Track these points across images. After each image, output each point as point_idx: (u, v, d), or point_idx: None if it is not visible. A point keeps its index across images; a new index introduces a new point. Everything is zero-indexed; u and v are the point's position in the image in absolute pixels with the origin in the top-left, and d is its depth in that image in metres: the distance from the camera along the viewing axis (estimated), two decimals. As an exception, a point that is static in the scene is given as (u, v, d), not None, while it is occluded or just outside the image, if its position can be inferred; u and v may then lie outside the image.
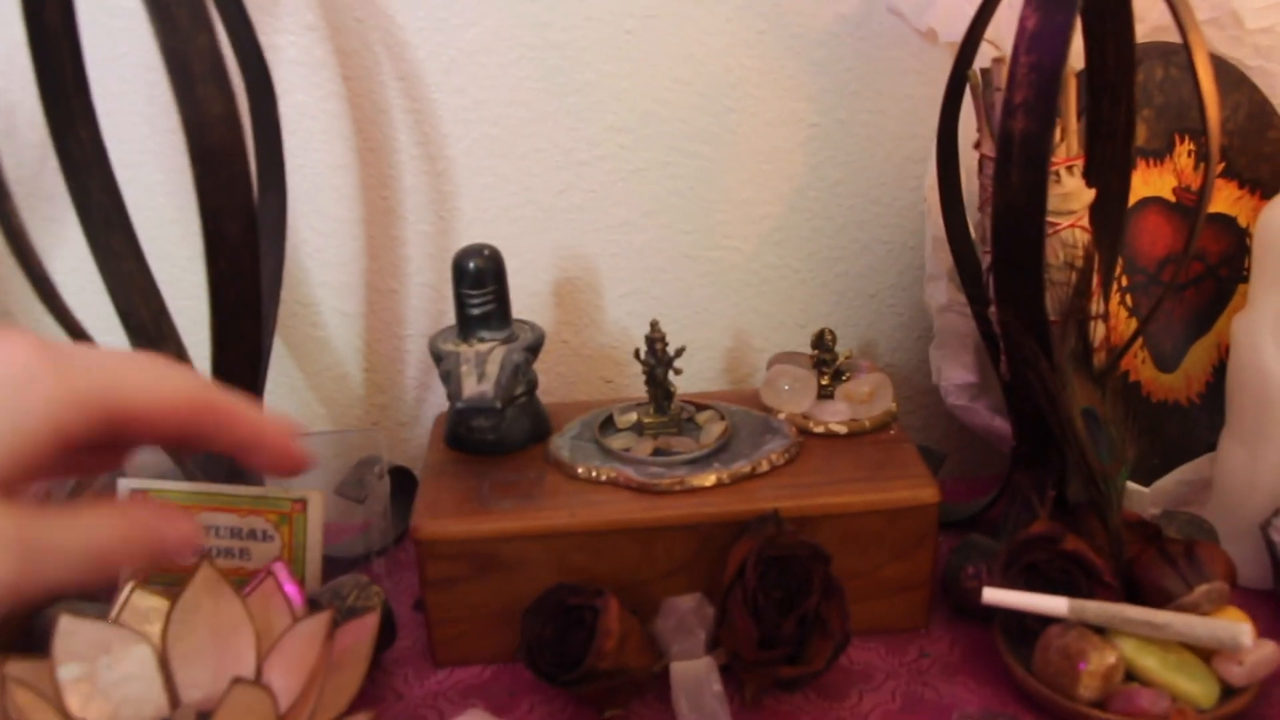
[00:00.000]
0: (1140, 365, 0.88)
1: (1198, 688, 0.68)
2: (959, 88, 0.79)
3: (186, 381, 0.45)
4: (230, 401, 0.46)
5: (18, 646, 0.70)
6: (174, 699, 0.70)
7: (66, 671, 0.66)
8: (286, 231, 0.87)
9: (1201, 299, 0.91)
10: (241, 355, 0.73)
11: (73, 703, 0.66)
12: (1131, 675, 0.69)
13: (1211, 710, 0.67)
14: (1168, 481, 0.86)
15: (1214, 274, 0.91)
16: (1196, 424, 0.90)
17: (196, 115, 0.64)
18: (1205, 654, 0.70)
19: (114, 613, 0.70)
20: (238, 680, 0.60)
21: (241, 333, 0.71)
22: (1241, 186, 0.90)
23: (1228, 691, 0.68)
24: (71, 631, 0.67)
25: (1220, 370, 0.90)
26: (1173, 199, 0.89)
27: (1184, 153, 0.89)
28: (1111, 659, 0.68)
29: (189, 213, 0.91)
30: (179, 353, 0.82)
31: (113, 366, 0.43)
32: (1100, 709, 0.68)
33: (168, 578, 0.76)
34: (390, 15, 0.89)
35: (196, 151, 0.65)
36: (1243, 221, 0.90)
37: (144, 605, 0.71)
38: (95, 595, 0.77)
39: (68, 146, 0.78)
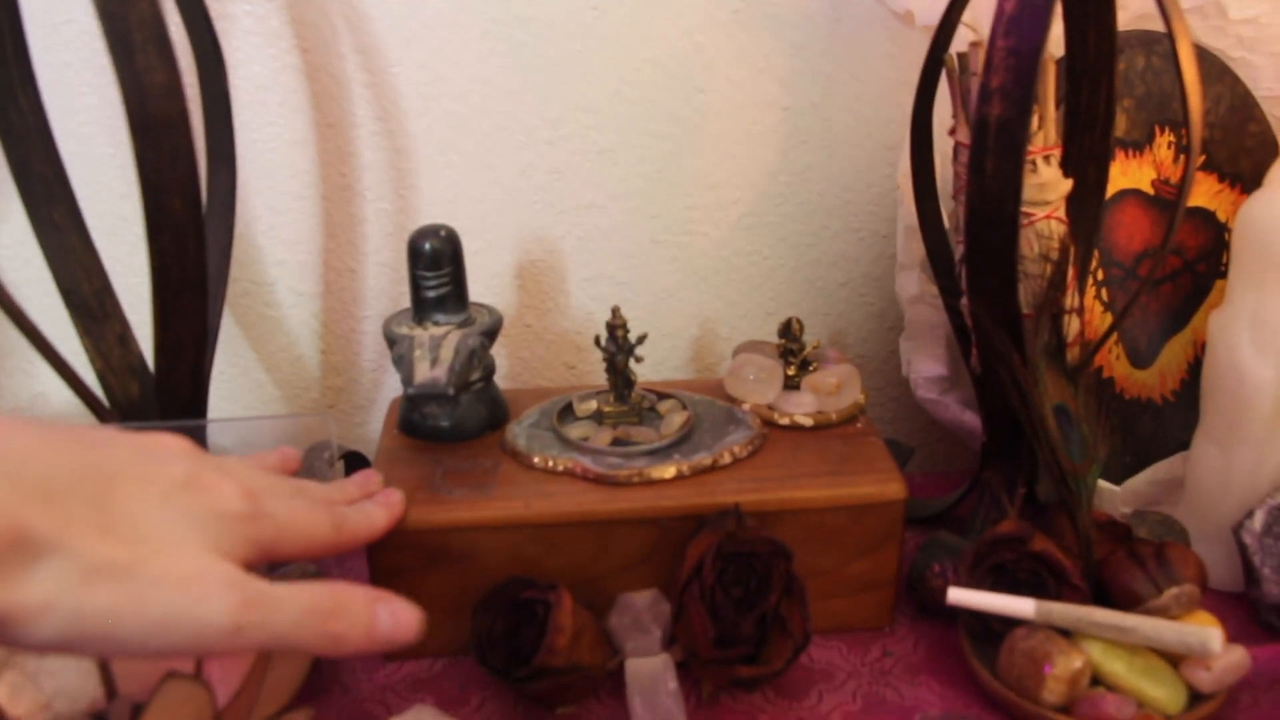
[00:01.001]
0: (1114, 361, 0.86)
1: (1164, 693, 0.66)
2: (935, 72, 0.77)
3: (327, 533, 0.59)
4: (352, 537, 0.62)
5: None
6: (110, 690, 0.67)
7: (-6, 662, 0.64)
8: (238, 208, 0.84)
9: (1178, 295, 0.89)
10: (186, 335, 0.70)
11: (1, 693, 0.63)
12: (1098, 680, 0.68)
13: (1178, 717, 0.66)
14: (1139, 481, 0.84)
15: (1191, 269, 0.89)
16: (1170, 422, 0.88)
17: (137, 85, 0.62)
18: (1173, 659, 0.68)
19: (46, 601, 0.68)
20: (172, 674, 0.58)
21: (186, 311, 0.69)
22: (1222, 180, 0.88)
23: (1195, 697, 0.67)
24: (-1, 621, 0.64)
25: (1195, 368, 0.88)
26: (1152, 191, 0.87)
27: (1164, 144, 0.87)
28: (1078, 663, 0.66)
29: (138, 188, 0.88)
30: (122, 332, 0.79)
31: (281, 520, 0.55)
32: (1065, 714, 0.66)
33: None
34: (351, -15, 0.87)
35: (137, 122, 0.62)
36: (1222, 216, 0.88)
37: (78, 593, 0.68)
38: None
39: (7, 115, 0.75)
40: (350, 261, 0.95)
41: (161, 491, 0.50)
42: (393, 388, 0.99)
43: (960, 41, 0.75)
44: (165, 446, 0.54)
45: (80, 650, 0.47)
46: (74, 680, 0.66)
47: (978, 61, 0.71)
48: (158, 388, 0.73)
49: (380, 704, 0.71)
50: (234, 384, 0.98)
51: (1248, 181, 0.88)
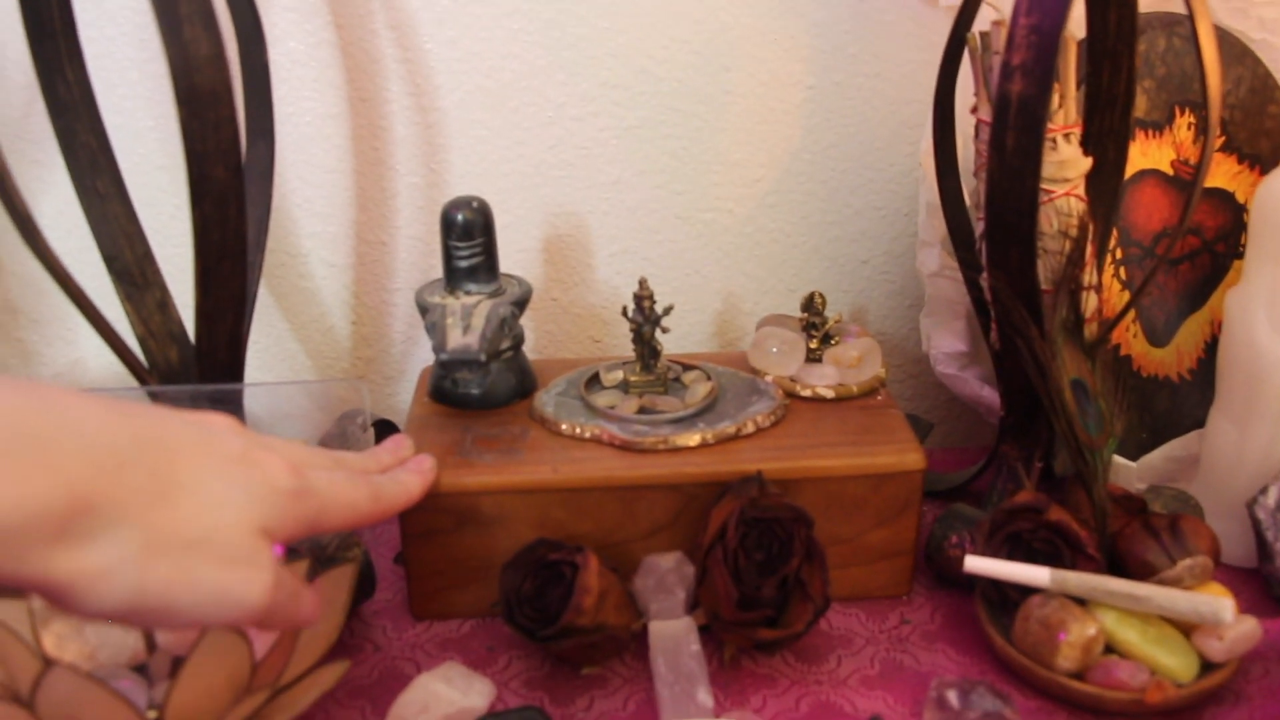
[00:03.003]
0: (1132, 339, 0.87)
1: (1177, 662, 0.68)
2: (957, 51, 0.78)
3: (367, 504, 0.61)
4: (389, 506, 0.64)
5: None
6: (150, 643, 0.69)
7: (44, 611, 0.66)
8: (274, 180, 0.86)
9: (1196, 274, 0.90)
10: (225, 301, 0.72)
11: (49, 643, 0.66)
12: (1111, 648, 0.69)
13: (1189, 685, 0.67)
14: (1156, 457, 0.86)
15: (1210, 249, 0.90)
16: (1186, 400, 0.89)
17: (183, 56, 0.64)
18: (1186, 628, 0.69)
19: (90, 556, 0.70)
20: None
21: (225, 278, 0.71)
22: (1241, 161, 0.90)
23: (1207, 666, 0.68)
24: (47, 573, 0.67)
25: (1212, 347, 0.89)
26: (1171, 172, 0.88)
27: (1184, 125, 0.88)
28: (1091, 630, 0.68)
29: (177, 159, 0.89)
30: (162, 298, 0.81)
31: (325, 496, 0.57)
32: (1079, 680, 0.68)
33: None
34: (385, -37, 0.89)
35: (183, 93, 0.64)
36: (1241, 197, 0.90)
37: (121, 550, 0.71)
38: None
39: (54, 88, 0.77)
40: (382, 234, 0.97)
41: (218, 465, 0.52)
42: (421, 359, 1.02)
43: (983, 21, 0.76)
44: (215, 423, 0.56)
45: (133, 620, 0.49)
46: (116, 633, 0.69)
47: (1000, 40, 0.72)
48: (197, 352, 0.75)
49: (410, 661, 0.74)
50: (267, 353, 1.00)
51: (1267, 163, 0.89)
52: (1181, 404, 0.89)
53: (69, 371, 0.98)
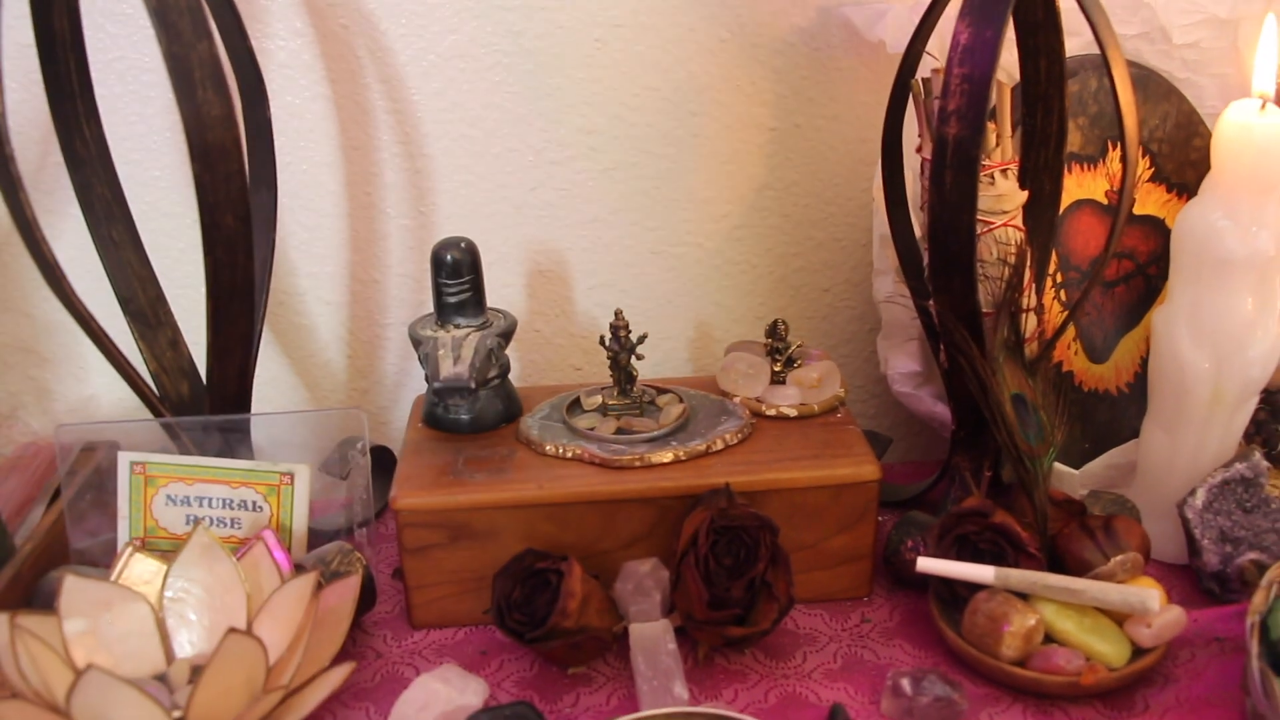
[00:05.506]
0: (1073, 356, 0.94)
1: (1110, 648, 0.74)
2: (902, 96, 0.85)
3: None
4: None
5: (20, 608, 0.76)
6: (169, 655, 0.75)
7: (72, 626, 0.72)
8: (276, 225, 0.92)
9: (1131, 295, 0.97)
10: (234, 338, 0.78)
11: (78, 655, 0.71)
12: (1051, 637, 0.76)
13: (1122, 668, 0.74)
14: (1097, 465, 0.92)
15: (1143, 272, 0.97)
16: (1125, 411, 0.96)
17: (197, 117, 0.70)
18: (1118, 618, 0.76)
19: (115, 574, 0.76)
20: (233, 630, 0.66)
21: (235, 317, 0.77)
22: (1169, 190, 0.97)
23: (1138, 652, 0.75)
24: (76, 589, 0.73)
25: (1147, 362, 0.95)
26: (1105, 201, 0.95)
27: (1116, 158, 0.95)
28: (1032, 621, 0.74)
29: (184, 206, 0.97)
30: (174, 337, 0.87)
31: None
32: (1021, 667, 0.74)
33: (166, 544, 0.82)
34: (374, 22, 0.95)
35: (197, 150, 0.71)
36: (1170, 223, 0.96)
37: (143, 568, 0.77)
38: (96, 561, 0.83)
39: (73, 145, 0.83)
40: (374, 273, 1.03)
41: None
42: (413, 389, 1.08)
43: (925, 68, 0.83)
44: None
45: None
46: (139, 645, 0.74)
47: (939, 86, 0.79)
48: (208, 385, 0.81)
49: (409, 665, 0.80)
50: (268, 386, 1.06)
51: (1193, 192, 0.95)
52: (1120, 415, 0.96)
53: (82, 407, 1.04)
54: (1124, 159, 0.78)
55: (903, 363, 0.97)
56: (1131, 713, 0.73)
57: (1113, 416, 0.96)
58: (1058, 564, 0.79)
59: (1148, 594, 0.74)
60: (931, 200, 0.77)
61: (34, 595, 0.79)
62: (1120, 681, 0.73)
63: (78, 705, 0.64)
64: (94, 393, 1.05)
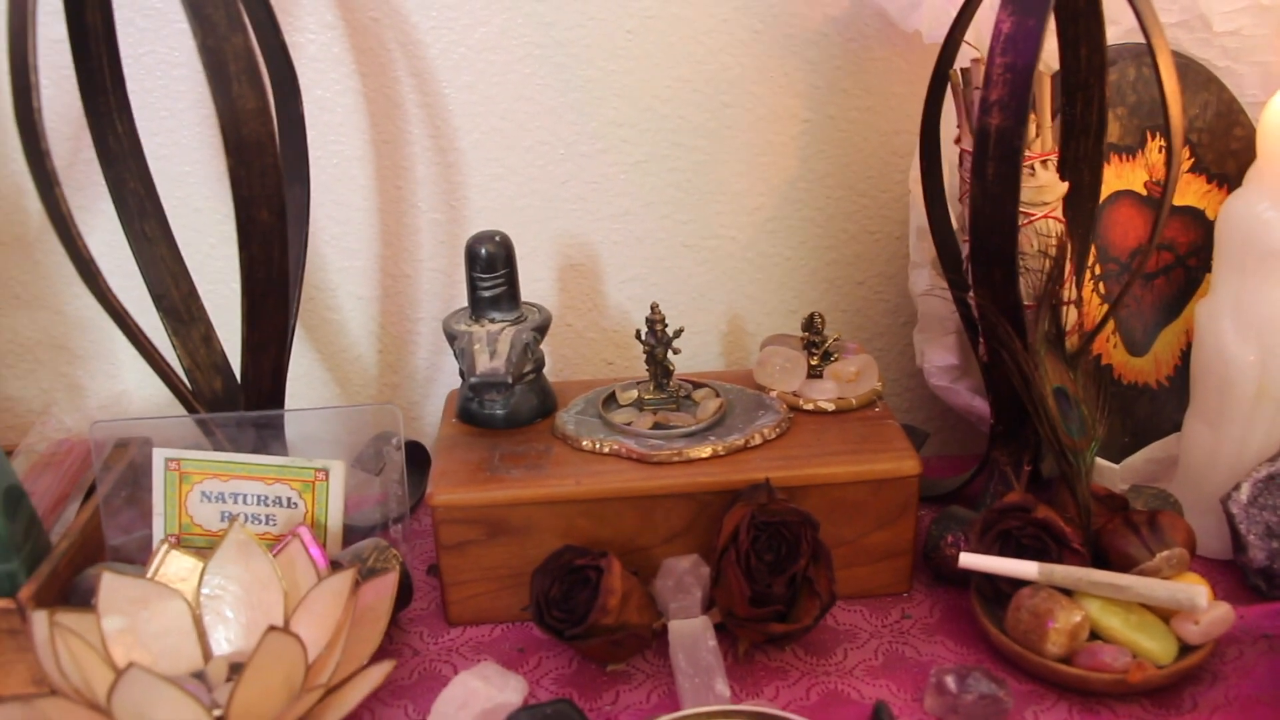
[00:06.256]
0: (1112, 349, 0.93)
1: (1156, 645, 0.73)
2: (941, 86, 0.84)
3: None
4: None
5: (57, 605, 0.76)
6: (207, 652, 0.75)
7: (110, 623, 0.72)
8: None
9: (1171, 288, 0.96)
10: (269, 334, 0.78)
11: (116, 652, 0.71)
12: (1096, 634, 0.75)
13: (1169, 666, 0.72)
14: (1137, 459, 0.91)
15: (1183, 264, 0.96)
16: (1165, 405, 0.95)
17: (232, 110, 0.70)
18: (1165, 615, 0.75)
19: (151, 571, 0.76)
20: (272, 628, 0.65)
21: (270, 313, 0.77)
22: (1210, 181, 0.96)
23: (1185, 649, 0.74)
24: (114, 587, 0.72)
25: (1188, 355, 0.94)
26: (1144, 192, 0.94)
27: (1155, 148, 0.94)
28: (1077, 618, 0.73)
29: (215, 201, 0.97)
30: (207, 333, 0.87)
31: None
32: (1066, 664, 0.73)
33: (201, 540, 0.81)
34: (404, 14, 0.95)
35: (232, 144, 0.70)
36: (1210, 214, 0.95)
37: (179, 565, 0.76)
38: (131, 558, 0.83)
39: (105, 140, 0.83)
40: (406, 268, 1.03)
41: None
42: (445, 384, 1.07)
43: (963, 58, 0.82)
44: None
45: None
46: (176, 642, 0.74)
47: (979, 76, 0.78)
48: (243, 381, 0.81)
49: (447, 664, 0.79)
50: (299, 382, 1.06)
51: (1234, 182, 0.95)
52: (1161, 409, 0.95)
53: (115, 403, 1.04)
54: (1168, 148, 0.77)
55: (940, 356, 0.96)
56: (1179, 711, 0.72)
57: (1153, 410, 0.95)
58: (1101, 560, 0.78)
59: (1196, 590, 0.73)
60: (973, 192, 0.76)
61: (71, 592, 0.79)
62: (1168, 679, 0.72)
63: (119, 703, 0.63)
64: (126, 389, 1.05)
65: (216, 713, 0.66)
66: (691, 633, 0.76)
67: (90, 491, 0.87)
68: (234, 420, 0.83)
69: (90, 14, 0.79)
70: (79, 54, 0.80)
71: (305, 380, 1.06)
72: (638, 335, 0.88)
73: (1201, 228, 0.96)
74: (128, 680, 0.62)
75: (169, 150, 0.97)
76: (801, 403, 0.89)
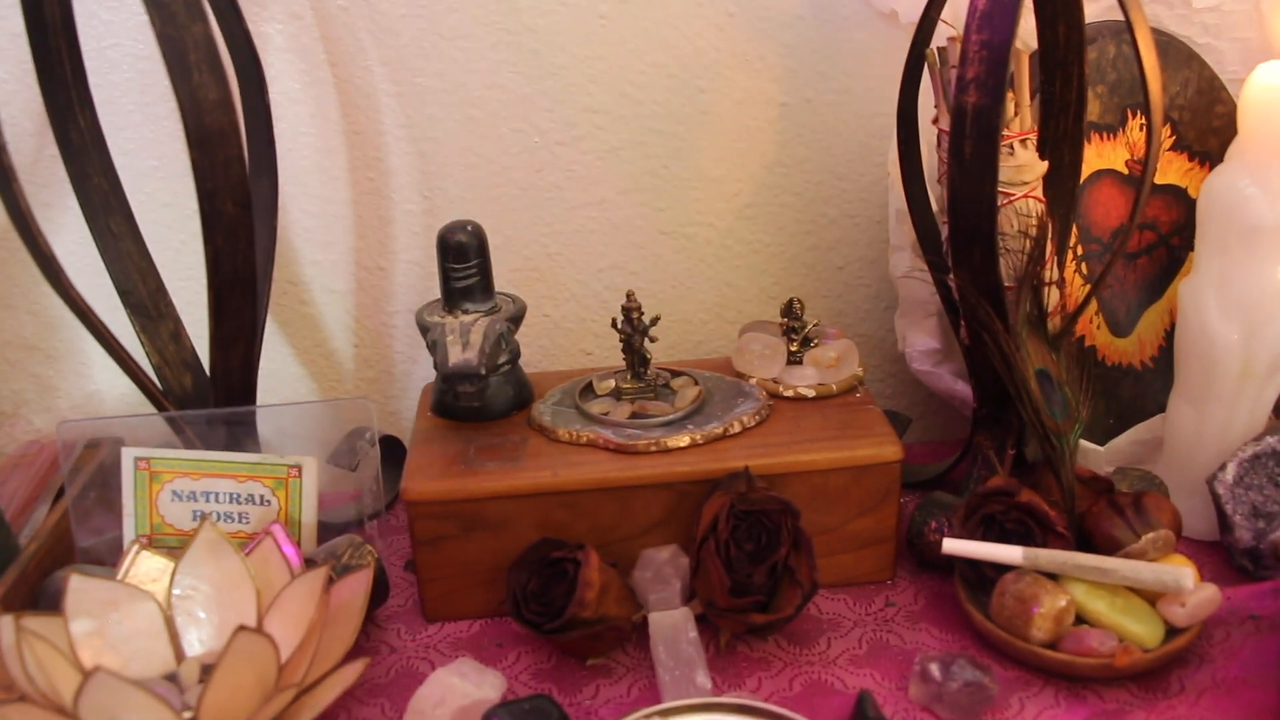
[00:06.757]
0: (1095, 330, 0.92)
1: (1143, 628, 0.72)
2: (917, 66, 0.83)
3: None
4: None
5: (25, 609, 0.74)
6: (179, 654, 0.74)
7: (78, 626, 0.70)
8: (278, 212, 0.90)
9: (1154, 267, 0.95)
10: (237, 329, 0.77)
11: (85, 656, 0.70)
12: (1082, 618, 0.74)
13: (1156, 649, 0.72)
14: (1122, 441, 0.90)
15: (1166, 243, 0.95)
16: (1150, 386, 0.94)
17: (193, 101, 0.68)
18: (1151, 597, 0.74)
19: (121, 572, 0.74)
20: (242, 628, 0.64)
21: (237, 307, 0.75)
22: (1191, 159, 0.95)
23: (1172, 632, 0.73)
24: (82, 589, 0.71)
25: (1172, 335, 0.93)
26: (1125, 171, 0.93)
27: (1136, 127, 0.93)
28: (1063, 602, 0.72)
29: (182, 197, 0.96)
30: (175, 329, 0.85)
31: None
32: (1052, 649, 0.72)
33: (174, 541, 0.80)
34: (373, 3, 0.93)
35: (194, 135, 0.69)
36: (1193, 193, 0.94)
37: (149, 565, 0.75)
38: (102, 559, 0.81)
39: (68, 133, 0.82)
40: (380, 260, 1.02)
41: None
42: (421, 378, 1.06)
43: (940, 37, 0.81)
44: None
45: None
46: (147, 644, 0.73)
47: (956, 55, 0.77)
48: (212, 378, 0.79)
49: (424, 660, 0.78)
50: (273, 378, 1.04)
51: (1216, 159, 0.94)
52: (1145, 390, 0.94)
53: (86, 404, 1.03)
54: (1149, 126, 0.76)
55: (921, 340, 0.95)
56: (1166, 694, 0.71)
57: (1137, 391, 0.94)
58: (1086, 543, 0.77)
59: (1182, 572, 0.72)
60: (951, 172, 0.75)
61: (39, 595, 0.77)
62: (1154, 662, 0.71)
63: (85, 708, 0.62)
64: (97, 389, 1.03)
65: (187, 715, 0.65)
66: (672, 624, 0.75)
67: (60, 493, 0.86)
68: (204, 417, 0.82)
69: (49, 7, 0.78)
70: (38, 48, 0.79)
71: (281, 376, 1.05)
72: (614, 324, 0.86)
73: (1184, 206, 0.95)
74: (94, 684, 0.61)
75: (135, 145, 0.95)
76: (781, 389, 0.87)
